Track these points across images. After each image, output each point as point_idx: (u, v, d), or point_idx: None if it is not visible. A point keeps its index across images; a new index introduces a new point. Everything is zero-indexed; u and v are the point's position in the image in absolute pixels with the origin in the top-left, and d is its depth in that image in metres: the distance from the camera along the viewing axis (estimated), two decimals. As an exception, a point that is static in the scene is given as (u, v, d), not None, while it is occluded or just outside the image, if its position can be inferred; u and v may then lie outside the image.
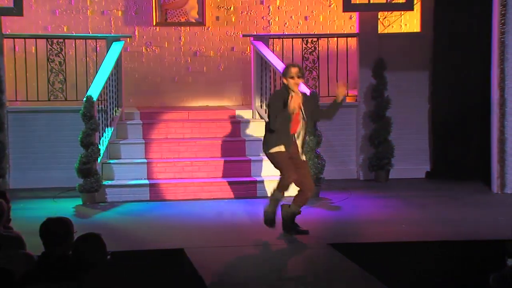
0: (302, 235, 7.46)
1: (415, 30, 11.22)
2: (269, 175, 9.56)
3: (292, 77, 7.42)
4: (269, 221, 7.49)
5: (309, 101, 7.66)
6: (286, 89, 7.48)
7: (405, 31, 11.37)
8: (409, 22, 11.36)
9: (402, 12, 11.09)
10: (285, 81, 7.48)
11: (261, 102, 10.66)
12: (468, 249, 6.95)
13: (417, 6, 10.88)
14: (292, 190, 7.62)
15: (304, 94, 7.64)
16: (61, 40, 10.53)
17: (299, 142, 7.49)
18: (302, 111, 7.44)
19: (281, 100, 7.39)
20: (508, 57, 9.55)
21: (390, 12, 11.03)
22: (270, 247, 7.28)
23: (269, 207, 7.50)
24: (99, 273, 3.94)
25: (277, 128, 7.37)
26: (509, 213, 8.17)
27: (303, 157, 7.56)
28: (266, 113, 9.42)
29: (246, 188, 9.51)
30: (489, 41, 9.76)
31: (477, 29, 10.48)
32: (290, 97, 7.30)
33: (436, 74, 10.96)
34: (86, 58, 10.68)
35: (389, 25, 11.25)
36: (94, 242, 4.02)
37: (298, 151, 7.48)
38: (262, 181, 9.56)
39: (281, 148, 7.42)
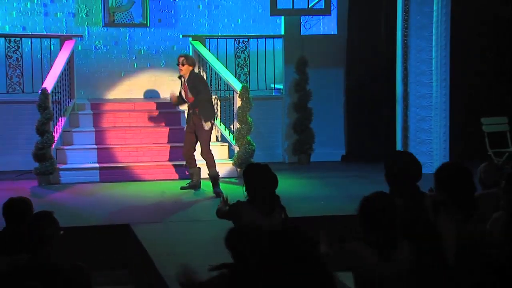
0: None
1: (332, 32, 11.34)
2: (205, 158, 9.54)
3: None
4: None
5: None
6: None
7: (323, 33, 11.48)
8: (327, 25, 11.46)
9: (321, 17, 11.18)
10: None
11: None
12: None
13: (334, 12, 10.98)
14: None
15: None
16: (18, 39, 10.34)
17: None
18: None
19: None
20: (410, 56, 9.73)
21: (311, 16, 11.11)
22: (210, 222, 7.28)
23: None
24: (51, 247, 3.89)
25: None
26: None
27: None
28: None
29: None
30: (395, 43, 9.93)
31: (385, 32, 10.65)
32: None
33: (350, 70, 11.10)
34: (41, 55, 10.47)
35: (310, 27, 11.33)
36: (47, 219, 3.96)
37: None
38: (201, 164, 9.54)
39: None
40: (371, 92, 10.82)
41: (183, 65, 8.66)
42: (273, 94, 11.25)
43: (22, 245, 3.84)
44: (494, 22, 10.56)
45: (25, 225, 4.15)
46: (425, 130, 9.78)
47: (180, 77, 8.82)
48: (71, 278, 3.68)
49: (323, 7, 10.51)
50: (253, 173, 4.67)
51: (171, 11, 11.56)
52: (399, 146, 9.91)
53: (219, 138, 10.38)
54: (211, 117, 8.67)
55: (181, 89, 8.86)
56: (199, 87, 8.66)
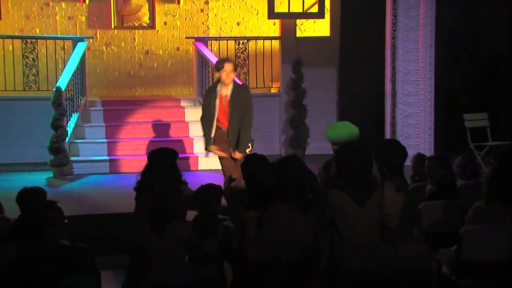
0: None
1: (325, 35, 11.31)
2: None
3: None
4: None
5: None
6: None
7: (317, 35, 11.45)
8: (320, 28, 11.43)
9: (315, 20, 11.15)
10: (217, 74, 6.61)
11: (201, 92, 10.60)
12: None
13: (327, 15, 10.95)
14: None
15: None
16: (34, 40, 10.33)
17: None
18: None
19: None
20: (398, 56, 9.68)
21: (306, 19, 11.08)
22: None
23: None
24: (58, 233, 3.88)
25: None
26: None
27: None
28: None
29: (190, 162, 9.48)
30: (383, 44, 9.90)
31: (375, 34, 10.61)
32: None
33: (342, 71, 11.07)
34: (55, 55, 10.45)
35: (305, 30, 11.30)
36: (51, 208, 3.95)
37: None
38: (203, 157, 9.54)
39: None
40: (361, 91, 10.79)
41: (235, 70, 6.64)
42: (271, 92, 11.23)
43: (30, 231, 3.84)
44: (474, 23, 10.53)
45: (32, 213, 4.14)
46: (412, 126, 9.76)
47: (215, 86, 6.63)
48: (77, 258, 3.69)
49: (317, 11, 10.47)
50: (251, 162, 4.64)
51: (175, 15, 11.53)
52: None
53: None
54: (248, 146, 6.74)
55: (214, 102, 6.61)
56: (248, 103, 6.59)
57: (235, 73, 6.73)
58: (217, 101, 6.58)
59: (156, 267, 4.01)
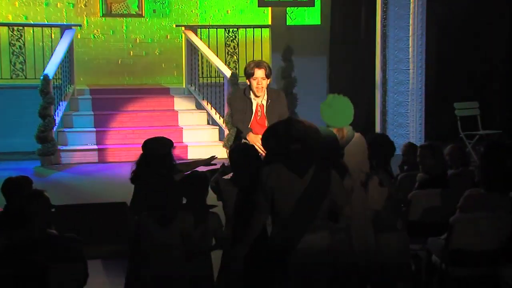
0: None
1: (316, 23, 11.27)
2: (196, 141, 9.54)
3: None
4: None
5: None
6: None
7: (308, 24, 11.41)
8: (311, 16, 11.39)
9: (306, 8, 11.11)
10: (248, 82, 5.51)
11: (191, 81, 10.56)
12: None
13: (318, 3, 10.92)
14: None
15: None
16: (21, 28, 10.23)
17: None
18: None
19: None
20: (389, 45, 9.67)
21: (296, 7, 11.04)
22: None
23: None
24: (44, 223, 3.85)
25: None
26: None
27: None
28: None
29: (179, 152, 9.44)
30: (374, 32, 9.88)
31: (365, 22, 10.60)
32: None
33: (332, 59, 11.06)
34: (43, 43, 10.35)
35: (295, 18, 11.26)
36: (37, 197, 3.91)
37: None
38: (192, 146, 9.51)
39: None
40: (352, 79, 10.78)
41: (268, 77, 5.47)
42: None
43: (16, 221, 3.80)
44: (466, 11, 10.52)
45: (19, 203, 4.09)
46: (402, 114, 9.77)
47: (246, 94, 5.54)
48: (64, 247, 3.66)
49: (308, -1, 10.45)
50: (238, 152, 4.59)
51: (164, 2, 11.46)
52: (378, 129, 9.89)
53: (210, 122, 10.33)
54: None
55: (245, 110, 5.57)
56: (285, 108, 5.59)
57: (269, 80, 5.51)
58: (253, 113, 5.52)
59: (155, 260, 3.98)
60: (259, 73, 5.40)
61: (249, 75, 5.45)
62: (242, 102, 5.54)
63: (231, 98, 5.78)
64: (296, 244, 3.64)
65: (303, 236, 3.65)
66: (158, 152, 4.60)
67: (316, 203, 3.68)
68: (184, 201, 4.21)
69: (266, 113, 5.54)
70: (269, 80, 5.47)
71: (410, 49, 9.61)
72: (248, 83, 5.48)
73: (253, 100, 5.49)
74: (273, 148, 3.78)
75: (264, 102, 5.51)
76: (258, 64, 5.47)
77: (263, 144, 3.94)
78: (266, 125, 5.37)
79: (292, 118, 3.89)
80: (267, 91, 5.53)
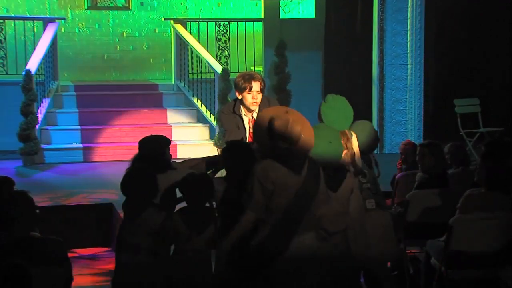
0: None
1: (310, 16, 11.29)
2: (186, 139, 9.55)
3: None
4: None
5: None
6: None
7: (302, 17, 11.43)
8: (305, 9, 11.42)
9: (300, 0, 11.13)
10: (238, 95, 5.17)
11: (180, 77, 10.57)
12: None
13: (312, -4, 10.95)
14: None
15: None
16: (2, 21, 10.20)
17: None
18: None
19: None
20: (386, 40, 9.72)
21: (290, 0, 11.06)
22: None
23: None
24: (28, 225, 3.86)
25: None
26: (387, 168, 8.37)
27: None
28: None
29: (168, 151, 9.44)
30: (371, 26, 9.91)
31: (362, 15, 10.62)
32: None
33: (328, 54, 11.08)
34: (25, 37, 10.33)
35: (289, 11, 11.28)
36: (20, 197, 3.92)
37: None
38: (182, 145, 9.52)
39: None
40: (348, 75, 10.81)
41: (262, 91, 5.18)
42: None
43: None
44: (467, 4, 10.57)
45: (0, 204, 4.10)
46: (400, 111, 9.82)
47: (234, 109, 5.20)
48: (48, 250, 3.67)
49: (302, -9, 10.48)
50: (232, 149, 4.61)
51: (153, -6, 11.46)
52: (375, 126, 9.91)
53: (201, 119, 10.34)
54: None
55: (243, 125, 5.24)
56: None
57: (263, 93, 5.20)
58: (247, 131, 5.20)
59: (125, 261, 4.01)
60: (255, 86, 5.08)
61: (243, 89, 5.08)
62: (233, 121, 5.19)
63: (221, 116, 5.42)
64: (287, 247, 3.66)
65: (294, 237, 3.66)
66: (155, 151, 4.64)
67: (310, 199, 3.71)
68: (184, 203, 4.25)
69: None
70: (262, 94, 5.17)
71: (408, 44, 9.66)
72: (239, 97, 5.12)
73: (244, 116, 5.17)
74: (264, 146, 3.80)
75: (255, 115, 5.13)
76: (253, 77, 5.13)
77: (254, 140, 3.97)
78: None
79: (273, 117, 3.83)
80: (262, 101, 5.19)
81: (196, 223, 4.07)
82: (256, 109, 5.15)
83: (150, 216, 4.08)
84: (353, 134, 4.47)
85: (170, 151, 4.82)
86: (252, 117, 5.18)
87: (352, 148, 4.40)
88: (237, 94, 5.13)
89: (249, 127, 5.15)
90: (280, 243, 3.69)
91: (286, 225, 3.70)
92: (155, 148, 4.67)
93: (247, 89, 5.07)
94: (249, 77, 5.11)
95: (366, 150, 4.54)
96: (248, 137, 5.15)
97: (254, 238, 3.77)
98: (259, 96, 5.10)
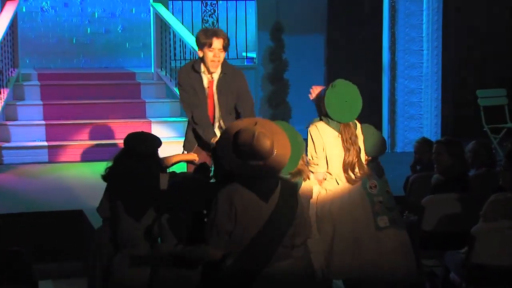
0: None
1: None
2: (168, 136, 9.55)
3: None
4: None
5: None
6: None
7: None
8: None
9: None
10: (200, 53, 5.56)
11: (161, 64, 10.57)
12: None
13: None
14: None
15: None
16: (-46, -1, 10.16)
17: None
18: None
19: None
20: (398, 21, 9.75)
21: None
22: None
23: None
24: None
25: None
26: (399, 170, 8.41)
27: None
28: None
29: (146, 149, 9.45)
30: (380, 6, 9.94)
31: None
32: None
33: (331, 38, 11.11)
34: (-19, 18, 10.31)
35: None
36: None
37: None
38: (163, 142, 9.51)
39: None
40: (353, 62, 10.84)
41: (225, 49, 5.53)
42: (245, 63, 11.22)
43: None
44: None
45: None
46: (415, 104, 9.86)
47: (194, 69, 5.60)
48: (9, 263, 3.68)
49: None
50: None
51: (129, -31, 11.48)
52: (385, 122, 9.96)
53: (184, 113, 10.34)
54: None
55: (196, 89, 5.65)
56: (245, 90, 5.71)
57: (226, 52, 5.56)
58: (206, 91, 5.60)
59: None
60: (217, 43, 5.45)
61: (203, 44, 5.48)
62: (191, 79, 5.57)
63: (179, 75, 5.75)
64: (257, 277, 3.66)
65: (265, 267, 3.66)
66: (142, 151, 4.66)
67: (283, 230, 3.69)
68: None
69: (216, 88, 5.58)
70: (225, 53, 5.53)
71: (424, 26, 9.69)
72: (201, 55, 5.52)
73: (203, 75, 5.56)
74: (230, 164, 3.71)
75: (216, 76, 5.57)
76: (216, 33, 5.52)
77: (214, 158, 4.00)
78: (214, 103, 5.57)
79: (239, 130, 3.73)
80: (221, 66, 5.57)
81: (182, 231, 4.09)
82: (218, 70, 5.52)
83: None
84: (357, 124, 4.53)
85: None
86: (212, 78, 5.54)
87: (358, 144, 4.43)
88: (198, 51, 5.50)
89: (207, 87, 5.55)
90: (249, 274, 3.69)
91: (256, 256, 3.67)
92: (143, 149, 4.68)
93: (207, 45, 5.43)
94: (212, 33, 5.49)
95: (374, 155, 4.59)
96: (208, 100, 5.55)
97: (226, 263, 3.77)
98: (222, 55, 5.44)
